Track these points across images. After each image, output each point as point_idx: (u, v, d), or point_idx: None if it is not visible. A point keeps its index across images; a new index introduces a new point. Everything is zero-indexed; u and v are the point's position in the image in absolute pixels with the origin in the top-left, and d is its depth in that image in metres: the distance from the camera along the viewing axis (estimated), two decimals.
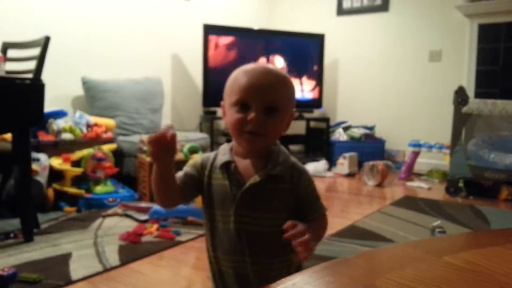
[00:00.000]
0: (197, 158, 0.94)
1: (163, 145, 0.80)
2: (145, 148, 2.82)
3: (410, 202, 2.90)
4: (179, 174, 0.91)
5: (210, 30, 3.81)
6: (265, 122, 0.83)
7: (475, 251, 0.69)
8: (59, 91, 2.99)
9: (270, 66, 0.90)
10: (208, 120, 3.86)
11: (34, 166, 2.26)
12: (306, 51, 4.27)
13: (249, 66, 0.89)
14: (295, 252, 0.77)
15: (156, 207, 2.32)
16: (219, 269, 0.90)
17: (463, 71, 3.87)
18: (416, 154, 3.72)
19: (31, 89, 1.96)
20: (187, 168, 0.92)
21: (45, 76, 2.08)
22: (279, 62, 4.15)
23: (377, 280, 0.58)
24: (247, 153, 0.89)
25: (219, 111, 3.96)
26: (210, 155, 0.93)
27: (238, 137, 0.87)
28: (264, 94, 0.84)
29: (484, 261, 0.65)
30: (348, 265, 0.64)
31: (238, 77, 0.87)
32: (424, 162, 3.91)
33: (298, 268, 0.89)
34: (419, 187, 3.43)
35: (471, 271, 0.62)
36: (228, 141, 0.95)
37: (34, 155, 2.34)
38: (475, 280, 0.59)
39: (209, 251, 0.92)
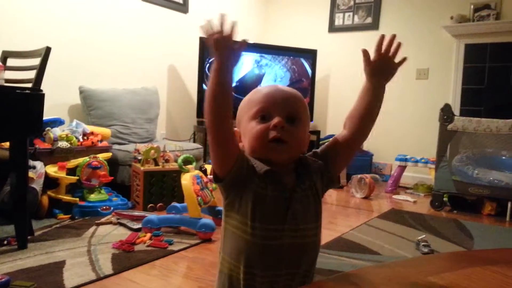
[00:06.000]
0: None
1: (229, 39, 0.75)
2: (139, 157, 2.86)
3: (396, 215, 2.98)
4: None
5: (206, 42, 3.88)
6: (290, 129, 0.81)
7: (458, 272, 0.73)
8: (56, 99, 3.03)
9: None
10: (202, 131, 3.92)
11: (30, 174, 2.28)
12: (298, 66, 4.37)
13: (263, 86, 0.90)
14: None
15: (149, 216, 2.35)
16: (250, 284, 0.81)
17: (449, 89, 4.01)
18: (402, 168, 3.82)
19: (31, 98, 1.99)
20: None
21: (43, 85, 2.12)
22: (272, 73, 4.24)
23: None
24: (275, 165, 0.82)
25: None
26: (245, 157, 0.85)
27: (263, 149, 0.82)
28: (286, 102, 0.83)
29: (465, 282, 0.70)
30: (343, 282, 0.69)
31: (254, 93, 0.87)
32: (410, 175, 4.01)
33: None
34: (405, 200, 3.52)
35: None
36: None
37: (30, 162, 2.37)
38: None
39: (238, 266, 0.82)
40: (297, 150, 0.85)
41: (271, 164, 0.82)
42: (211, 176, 2.61)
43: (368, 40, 4.52)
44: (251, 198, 0.80)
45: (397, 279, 0.71)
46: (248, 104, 0.86)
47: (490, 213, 3.10)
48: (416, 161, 3.73)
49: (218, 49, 0.75)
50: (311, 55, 4.35)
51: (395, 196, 3.63)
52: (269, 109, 0.82)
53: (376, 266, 0.80)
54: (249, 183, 0.80)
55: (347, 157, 0.92)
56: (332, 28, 4.63)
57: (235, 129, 0.87)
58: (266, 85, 0.93)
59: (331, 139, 0.93)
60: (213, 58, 0.76)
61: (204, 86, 3.89)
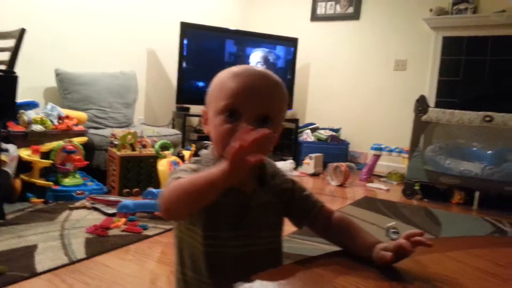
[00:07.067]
0: (187, 168, 0.78)
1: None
2: (116, 142, 2.85)
3: (369, 203, 3.05)
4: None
5: (186, 28, 3.85)
6: None
7: (416, 257, 0.74)
8: (31, 82, 2.96)
9: (262, 68, 0.79)
10: (181, 117, 3.90)
11: (2, 157, 2.25)
12: (280, 54, 4.39)
13: (238, 68, 0.77)
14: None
15: (125, 201, 2.36)
16: None
17: (426, 80, 4.08)
18: (377, 157, 3.90)
19: (4, 80, 1.95)
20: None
21: (18, 67, 2.08)
22: (254, 62, 4.24)
23: (325, 284, 0.65)
24: None
25: (192, 108, 4.03)
26: (201, 167, 0.77)
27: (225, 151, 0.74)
28: (258, 100, 0.73)
29: (419, 268, 0.73)
30: (302, 270, 0.71)
31: (226, 80, 0.75)
32: (384, 164, 4.10)
33: None
34: (379, 188, 3.61)
35: (408, 275, 0.70)
36: (200, 142, 0.81)
37: (3, 145, 2.32)
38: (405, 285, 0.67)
39: (192, 276, 0.78)
40: (264, 154, 0.80)
41: None
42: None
43: (349, 30, 4.65)
44: (203, 208, 0.73)
45: (355, 265, 0.74)
46: (216, 92, 0.76)
47: (459, 202, 3.20)
48: (391, 151, 3.82)
49: (236, 174, 0.62)
50: (292, 43, 4.36)
51: (369, 184, 3.71)
52: (238, 107, 0.72)
53: (336, 251, 0.83)
54: None
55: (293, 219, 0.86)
56: (314, 17, 4.64)
57: (203, 109, 0.83)
58: (244, 67, 0.78)
59: (314, 202, 0.85)
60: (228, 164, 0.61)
61: (184, 64, 3.86)
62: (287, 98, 0.81)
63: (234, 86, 0.73)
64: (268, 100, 0.74)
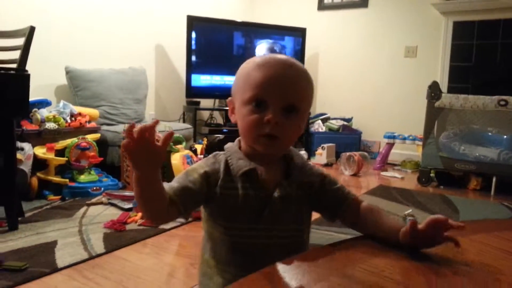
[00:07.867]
0: (197, 167, 0.79)
1: (143, 146, 0.64)
2: None
3: (384, 191, 3.03)
4: (174, 185, 0.76)
5: (193, 21, 3.84)
6: (284, 124, 0.74)
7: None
8: (42, 80, 2.99)
9: (288, 57, 0.79)
10: (191, 111, 3.90)
11: (18, 155, 2.26)
12: (288, 44, 4.35)
13: (264, 58, 0.77)
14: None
15: None
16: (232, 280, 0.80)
17: (437, 66, 4.03)
18: (390, 145, 3.86)
19: (16, 79, 1.96)
20: (186, 181, 0.76)
21: (28, 65, 2.09)
22: (262, 53, 4.22)
23: (359, 265, 0.66)
24: (263, 156, 0.78)
25: (202, 102, 4.03)
26: (217, 161, 0.80)
27: (253, 141, 0.77)
28: (284, 90, 0.74)
29: (444, 250, 0.72)
30: (325, 255, 0.71)
31: (252, 70, 0.76)
32: (398, 152, 4.07)
33: None
34: (393, 176, 3.58)
35: (436, 257, 0.70)
36: (222, 140, 0.84)
37: (18, 144, 2.35)
38: (430, 269, 0.66)
39: (219, 264, 0.80)
40: (289, 143, 0.80)
41: (256, 154, 0.78)
42: (201, 156, 2.63)
43: (357, 18, 4.59)
44: (221, 200, 0.77)
45: (377, 250, 0.73)
46: (243, 83, 0.77)
47: (476, 188, 3.17)
48: (404, 138, 3.78)
49: (138, 165, 0.67)
50: (300, 33, 4.33)
51: (383, 173, 3.68)
52: (265, 97, 0.74)
53: (358, 237, 0.82)
54: (215, 188, 0.77)
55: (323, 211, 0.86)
56: (321, 6, 4.59)
57: (229, 98, 0.83)
58: (269, 56, 0.79)
59: (345, 194, 0.84)
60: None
61: (193, 58, 3.85)
62: (312, 86, 0.81)
63: (260, 76, 0.74)
64: (293, 89, 0.76)
